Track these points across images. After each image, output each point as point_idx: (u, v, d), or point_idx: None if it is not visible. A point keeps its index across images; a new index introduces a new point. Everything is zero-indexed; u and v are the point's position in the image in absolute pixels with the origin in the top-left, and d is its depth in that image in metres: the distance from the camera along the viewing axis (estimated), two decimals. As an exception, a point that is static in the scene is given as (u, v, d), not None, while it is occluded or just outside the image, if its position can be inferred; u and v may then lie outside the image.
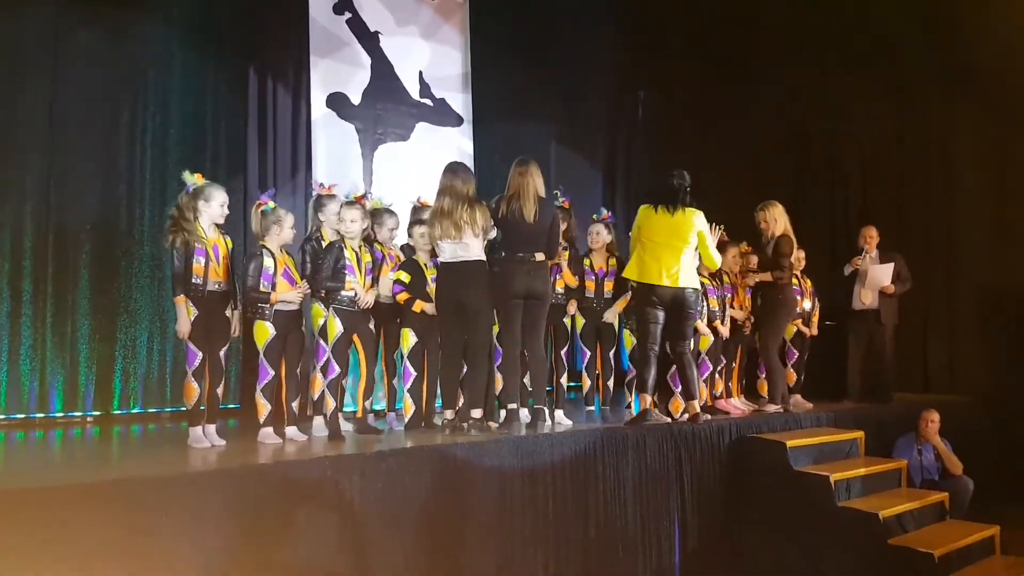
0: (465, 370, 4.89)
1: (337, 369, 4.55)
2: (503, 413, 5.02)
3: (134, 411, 6.23)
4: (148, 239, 6.35)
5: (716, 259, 5.33)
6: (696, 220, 5.08)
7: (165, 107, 6.50)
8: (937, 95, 7.77)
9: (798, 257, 6.69)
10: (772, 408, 5.84)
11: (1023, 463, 6.53)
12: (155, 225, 6.36)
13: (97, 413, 6.08)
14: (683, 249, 5.03)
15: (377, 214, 5.12)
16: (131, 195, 6.34)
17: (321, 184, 5.19)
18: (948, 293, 7.70)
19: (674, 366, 5.41)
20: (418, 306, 4.83)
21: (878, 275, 6.80)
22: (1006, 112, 7.29)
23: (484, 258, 4.74)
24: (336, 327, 4.54)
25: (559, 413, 5.20)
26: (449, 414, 4.75)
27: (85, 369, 6.07)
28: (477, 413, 4.67)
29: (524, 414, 5.09)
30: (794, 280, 6.62)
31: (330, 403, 4.55)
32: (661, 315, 5.05)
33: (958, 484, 5.81)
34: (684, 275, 5.02)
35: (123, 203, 6.30)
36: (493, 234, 4.84)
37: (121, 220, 6.29)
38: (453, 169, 4.77)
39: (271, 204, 4.56)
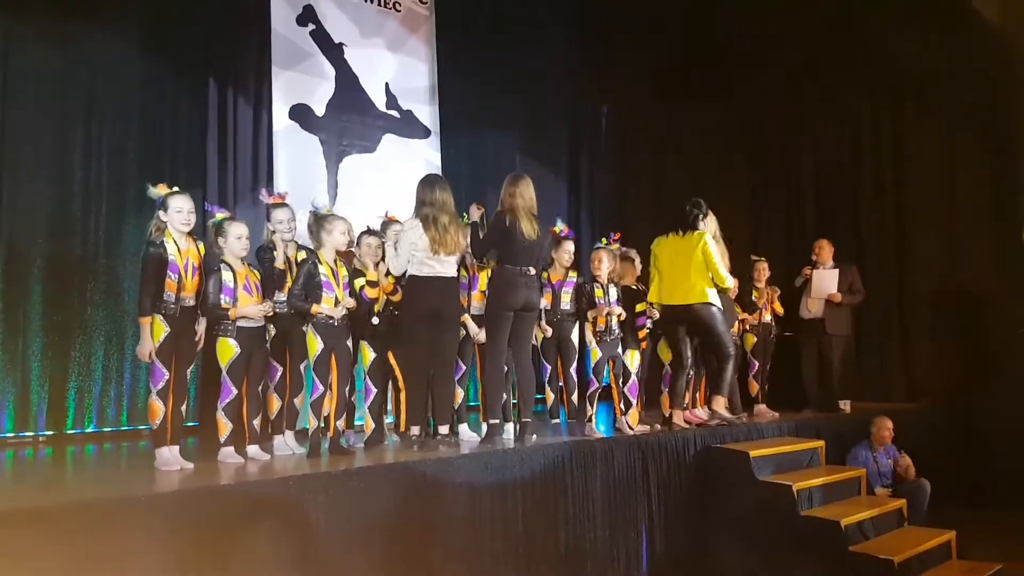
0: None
1: (321, 388, 4.44)
2: (464, 427, 5.07)
3: (89, 431, 6.06)
4: (104, 253, 6.21)
5: (727, 280, 5.61)
6: (700, 240, 5.46)
7: (122, 119, 6.37)
8: (890, 108, 7.97)
9: (759, 268, 6.79)
10: (714, 422, 5.75)
11: (978, 468, 6.68)
12: (112, 239, 6.24)
13: (50, 433, 5.89)
14: (689, 268, 5.42)
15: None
16: (86, 209, 6.19)
17: (277, 193, 5.03)
18: (901, 302, 7.88)
19: (632, 378, 5.54)
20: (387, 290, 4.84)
21: (822, 283, 6.92)
22: (957, 124, 7.50)
23: (456, 275, 4.83)
24: (317, 344, 4.44)
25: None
26: (416, 430, 4.70)
27: (37, 387, 5.89)
28: (444, 429, 4.65)
29: (509, 428, 5.11)
30: (755, 292, 6.72)
31: (313, 422, 4.47)
32: (682, 331, 5.59)
33: (916, 487, 5.93)
34: (693, 292, 5.41)
35: (78, 217, 6.15)
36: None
37: (76, 234, 6.13)
38: (433, 182, 4.81)
39: (218, 216, 4.46)
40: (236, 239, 4.38)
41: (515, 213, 4.80)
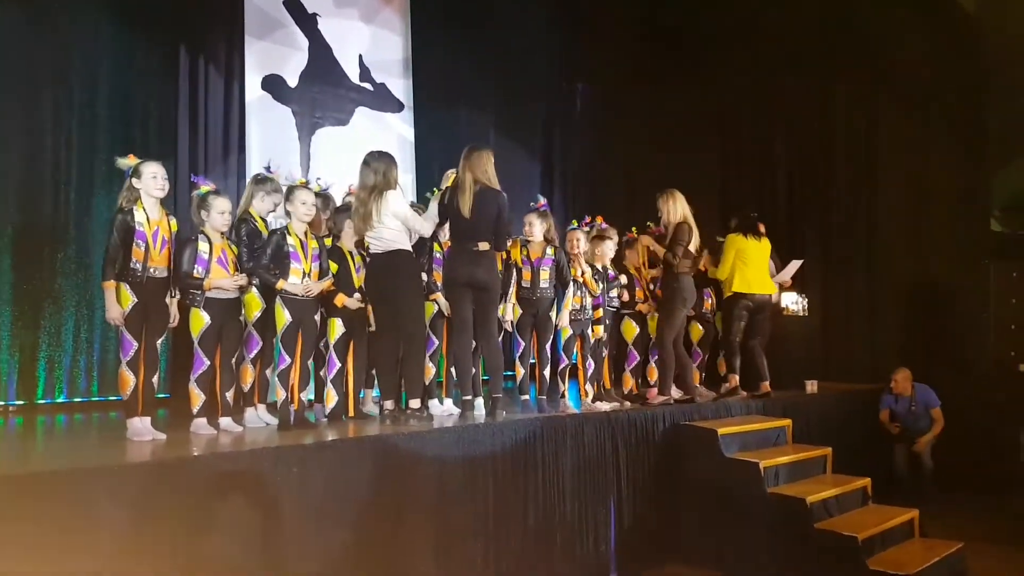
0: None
1: (288, 359, 4.46)
2: (435, 402, 5.07)
3: (59, 401, 6.03)
4: (74, 223, 6.14)
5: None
6: (769, 247, 6.60)
7: (92, 88, 6.28)
8: (864, 94, 8.03)
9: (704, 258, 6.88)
10: (659, 399, 5.84)
11: (940, 450, 6.82)
12: (81, 209, 6.17)
13: (20, 403, 5.87)
14: (764, 265, 6.54)
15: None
16: (56, 178, 6.11)
17: (269, 168, 4.99)
18: (870, 286, 7.98)
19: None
20: (339, 300, 4.75)
21: (786, 273, 7.02)
22: (930, 112, 7.58)
23: (408, 247, 4.72)
24: (284, 316, 4.44)
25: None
26: (389, 404, 4.72)
27: (7, 357, 5.85)
28: (414, 403, 4.66)
29: (479, 403, 5.10)
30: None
31: (281, 393, 4.47)
32: (747, 315, 6.44)
33: (923, 459, 6.71)
34: (769, 286, 6.54)
35: (48, 186, 6.08)
36: (426, 226, 4.86)
37: (46, 204, 6.07)
38: (365, 161, 4.72)
39: (203, 188, 4.44)
40: (219, 214, 4.37)
41: (456, 189, 4.75)
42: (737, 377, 6.43)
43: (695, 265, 6.08)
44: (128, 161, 4.15)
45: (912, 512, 5.26)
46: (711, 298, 6.87)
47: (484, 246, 4.76)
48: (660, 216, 5.99)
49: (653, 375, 6.24)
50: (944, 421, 6.81)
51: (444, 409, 5.08)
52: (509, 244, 5.23)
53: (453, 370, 5.29)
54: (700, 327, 6.83)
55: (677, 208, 5.88)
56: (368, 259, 4.78)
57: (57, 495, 3.08)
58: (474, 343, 5.03)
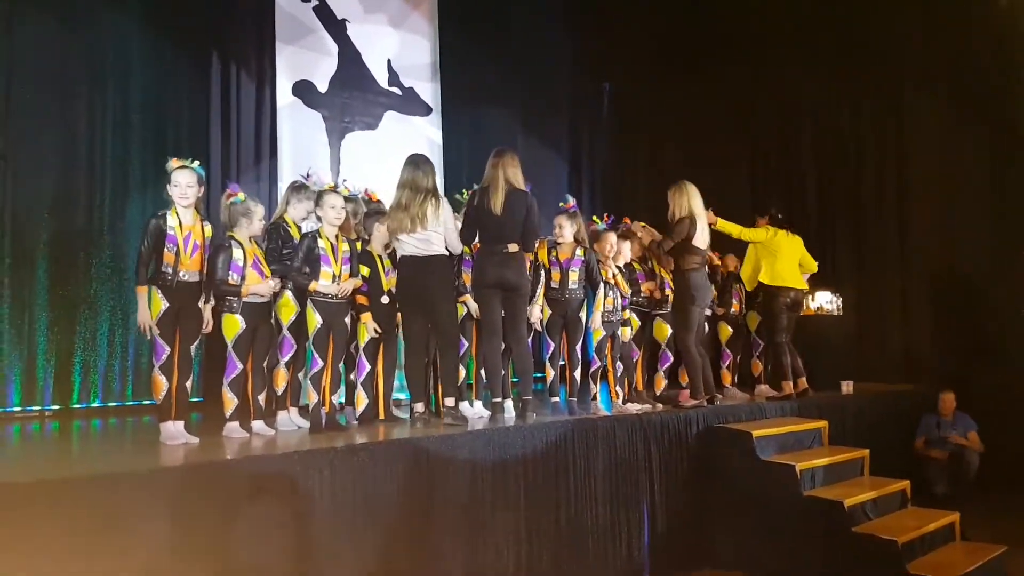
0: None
1: (320, 363, 4.48)
2: (465, 404, 5.04)
3: (94, 405, 6.11)
4: (109, 228, 6.23)
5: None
6: (801, 242, 6.56)
7: (125, 94, 6.38)
8: (890, 88, 7.90)
9: (727, 260, 6.80)
10: (691, 402, 5.69)
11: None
12: (116, 213, 6.26)
13: (56, 407, 5.95)
14: (796, 260, 6.45)
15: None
16: (91, 182, 6.21)
17: (307, 176, 5.04)
18: (903, 283, 7.84)
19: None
20: (365, 318, 4.74)
21: None
22: (958, 102, 7.43)
23: (446, 252, 4.73)
24: (316, 319, 4.46)
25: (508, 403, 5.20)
26: (419, 407, 4.71)
27: (43, 362, 5.93)
28: (450, 401, 4.67)
29: (508, 406, 5.10)
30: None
31: (312, 396, 4.48)
32: (787, 311, 6.33)
33: (967, 455, 6.56)
34: (801, 280, 6.46)
35: (83, 191, 6.18)
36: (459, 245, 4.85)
37: (80, 208, 6.16)
38: (414, 162, 4.73)
39: (240, 195, 4.46)
40: (259, 221, 4.42)
41: (488, 189, 4.74)
42: (791, 383, 6.26)
43: (705, 262, 5.89)
44: (172, 165, 4.20)
45: (953, 515, 5.15)
46: (739, 299, 6.79)
47: (513, 248, 4.75)
48: (668, 209, 5.86)
49: (684, 377, 6.16)
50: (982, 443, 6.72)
51: (474, 411, 5.07)
52: (537, 245, 5.21)
53: (483, 372, 5.28)
54: (728, 327, 6.76)
55: (684, 202, 5.72)
56: (402, 260, 4.76)
57: (91, 499, 3.09)
58: (503, 345, 5.01)
